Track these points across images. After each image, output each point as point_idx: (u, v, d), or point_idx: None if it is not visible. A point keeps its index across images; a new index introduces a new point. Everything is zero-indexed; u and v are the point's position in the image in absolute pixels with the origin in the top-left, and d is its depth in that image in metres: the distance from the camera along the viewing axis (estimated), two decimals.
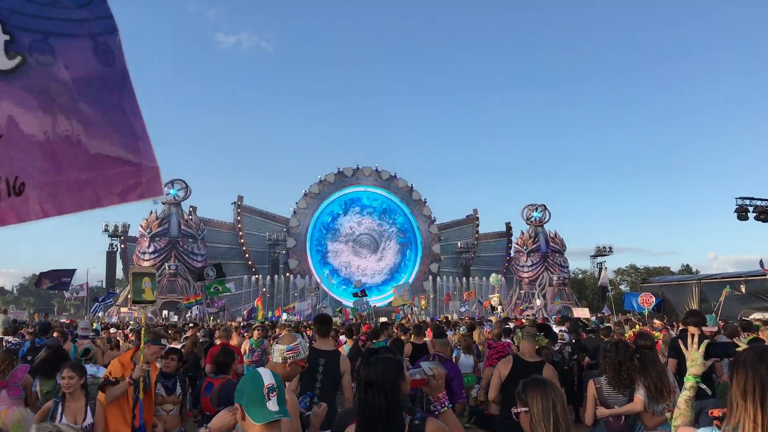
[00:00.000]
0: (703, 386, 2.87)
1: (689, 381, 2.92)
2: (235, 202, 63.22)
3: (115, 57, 1.51)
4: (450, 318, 28.32)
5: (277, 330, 16.98)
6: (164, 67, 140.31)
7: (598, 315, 28.86)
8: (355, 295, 39.08)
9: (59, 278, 25.25)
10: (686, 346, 3.03)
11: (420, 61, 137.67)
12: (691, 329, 7.13)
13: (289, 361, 4.02)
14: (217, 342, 10.56)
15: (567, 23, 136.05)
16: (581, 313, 28.46)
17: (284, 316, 39.07)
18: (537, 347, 6.26)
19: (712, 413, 2.41)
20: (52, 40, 1.36)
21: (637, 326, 10.86)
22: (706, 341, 3.01)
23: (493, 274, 51.61)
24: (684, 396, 2.90)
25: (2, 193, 1.23)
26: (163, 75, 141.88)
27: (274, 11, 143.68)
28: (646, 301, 25.56)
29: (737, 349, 3.34)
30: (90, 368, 6.78)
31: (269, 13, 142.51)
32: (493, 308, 45.53)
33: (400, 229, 68.03)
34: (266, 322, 23.77)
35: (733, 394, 2.27)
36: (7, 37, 1.26)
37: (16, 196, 1.27)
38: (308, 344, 4.93)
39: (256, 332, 12.83)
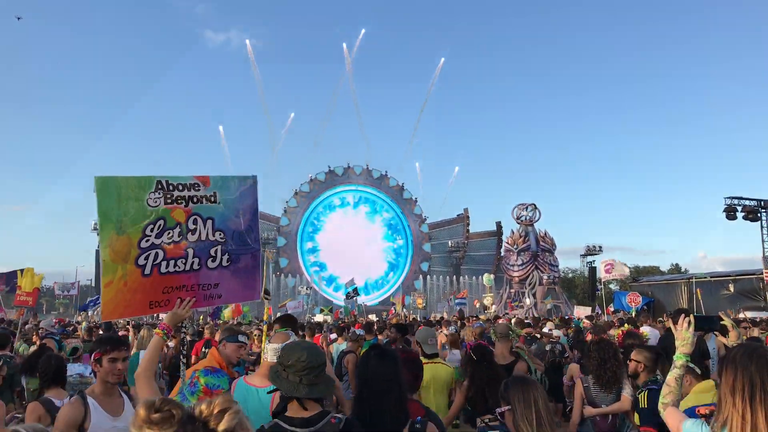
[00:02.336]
0: (692, 365, 2.91)
1: (679, 359, 2.94)
2: None
3: (257, 257, 4.21)
4: (440, 317, 28.30)
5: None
6: (152, 64, 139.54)
7: (588, 314, 28.94)
8: (347, 296, 39.33)
9: (12, 281, 24.84)
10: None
11: (411, 59, 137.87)
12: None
13: None
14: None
15: (556, 23, 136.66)
16: (581, 311, 28.67)
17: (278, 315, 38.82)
18: (512, 343, 6.34)
19: (699, 411, 2.42)
20: (241, 255, 4.10)
21: (626, 325, 10.89)
22: (692, 315, 3.11)
23: (486, 274, 51.70)
24: (674, 374, 2.90)
25: (216, 297, 4.11)
26: (151, 72, 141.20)
27: (263, 8, 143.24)
28: (634, 300, 25.76)
29: (722, 323, 3.46)
30: (78, 367, 6.71)
31: (258, 9, 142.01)
32: (485, 307, 45.72)
33: (396, 250, 68.18)
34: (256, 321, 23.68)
35: (722, 391, 2.30)
36: (227, 256, 4.04)
37: (218, 298, 4.14)
38: None
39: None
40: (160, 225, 3.80)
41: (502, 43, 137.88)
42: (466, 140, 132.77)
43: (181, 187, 3.89)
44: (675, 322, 7.52)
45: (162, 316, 4.70)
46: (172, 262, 3.86)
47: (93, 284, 58.57)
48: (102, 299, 3.76)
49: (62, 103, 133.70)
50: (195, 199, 3.93)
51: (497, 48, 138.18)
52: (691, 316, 3.07)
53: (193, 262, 3.93)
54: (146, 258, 3.77)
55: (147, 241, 3.76)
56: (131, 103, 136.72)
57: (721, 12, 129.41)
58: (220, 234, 4.02)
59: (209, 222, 3.98)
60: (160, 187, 3.81)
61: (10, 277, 24.63)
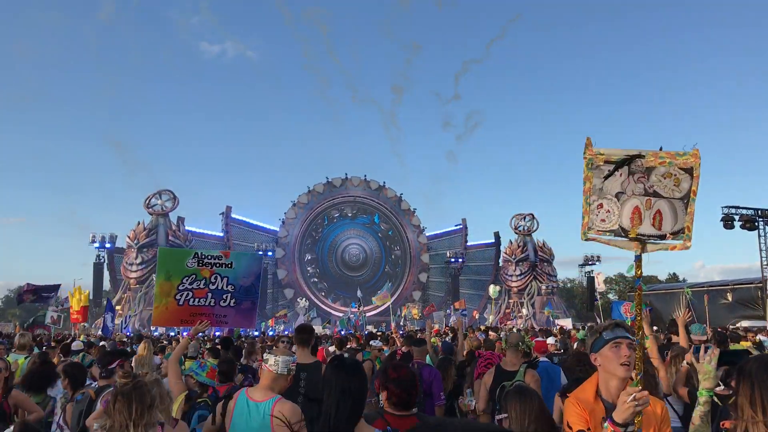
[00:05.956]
0: (716, 399, 2.83)
1: (702, 396, 2.80)
2: (223, 213, 62.94)
3: (255, 303, 7.45)
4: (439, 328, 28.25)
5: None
6: (148, 77, 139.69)
7: (588, 324, 28.89)
8: (359, 304, 40.34)
9: (40, 293, 26.33)
10: (697, 359, 2.93)
11: (409, 68, 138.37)
12: (676, 338, 7.17)
13: (292, 372, 3.95)
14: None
15: (551, 28, 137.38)
16: (563, 323, 28.95)
17: (282, 326, 38.74)
18: (523, 353, 6.22)
19: (723, 425, 2.43)
20: (243, 301, 7.18)
21: None
22: (717, 351, 2.89)
23: (492, 286, 51.58)
24: (698, 411, 2.76)
25: (224, 323, 7.26)
26: (147, 85, 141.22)
27: (258, 19, 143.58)
28: (628, 310, 25.68)
29: (750, 356, 3.27)
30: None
31: (253, 21, 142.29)
32: (485, 319, 45.73)
33: (393, 259, 68.40)
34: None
35: (740, 404, 2.30)
36: (234, 300, 7.10)
37: (225, 323, 7.28)
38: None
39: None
40: (192, 278, 6.90)
41: (495, 53, 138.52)
42: (461, 151, 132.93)
43: (210, 257, 7.02)
44: (672, 332, 7.44)
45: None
46: (197, 300, 6.90)
47: (91, 296, 58.20)
48: (153, 314, 7.31)
49: (58, 112, 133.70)
50: (217, 265, 7.00)
51: (494, 56, 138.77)
52: (717, 350, 2.88)
53: (211, 301, 6.93)
54: (181, 295, 6.87)
55: (183, 286, 6.88)
56: (119, 113, 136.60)
57: (717, 23, 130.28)
58: (231, 287, 7.01)
59: (225, 279, 7.00)
60: (196, 256, 6.99)
61: (38, 291, 26.37)
